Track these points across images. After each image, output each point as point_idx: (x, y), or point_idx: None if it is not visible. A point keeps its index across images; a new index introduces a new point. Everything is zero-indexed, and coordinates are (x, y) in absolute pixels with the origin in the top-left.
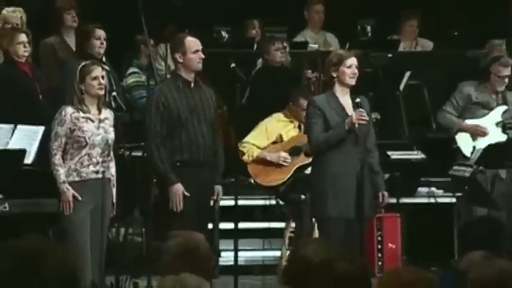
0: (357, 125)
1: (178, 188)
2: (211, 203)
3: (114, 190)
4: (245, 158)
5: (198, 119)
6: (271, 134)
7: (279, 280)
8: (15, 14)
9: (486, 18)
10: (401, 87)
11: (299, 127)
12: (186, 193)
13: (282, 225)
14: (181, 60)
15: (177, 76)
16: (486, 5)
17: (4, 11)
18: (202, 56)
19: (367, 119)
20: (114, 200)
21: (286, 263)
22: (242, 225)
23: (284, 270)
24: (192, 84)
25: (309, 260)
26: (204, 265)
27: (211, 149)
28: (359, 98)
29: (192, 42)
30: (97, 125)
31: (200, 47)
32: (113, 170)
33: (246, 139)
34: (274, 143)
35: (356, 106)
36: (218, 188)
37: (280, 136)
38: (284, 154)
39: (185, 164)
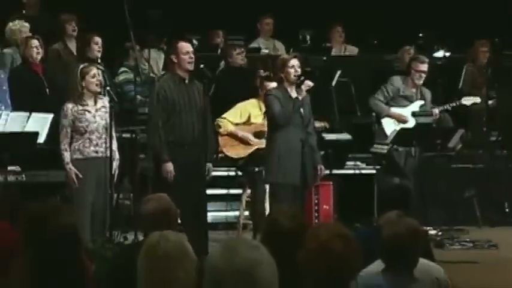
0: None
1: (169, 165)
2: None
3: (115, 163)
4: (221, 130)
5: (191, 108)
6: (244, 114)
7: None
8: (25, 25)
9: (399, 29)
10: (333, 83)
11: (264, 116)
12: (172, 172)
13: (240, 191)
14: (175, 61)
15: (173, 74)
16: (400, 18)
17: (17, 25)
18: (193, 56)
19: (311, 84)
20: (115, 171)
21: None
22: (209, 191)
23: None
24: (187, 81)
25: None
26: (174, 222)
27: (201, 132)
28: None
29: (183, 46)
30: (94, 114)
31: (190, 49)
32: (114, 147)
33: (223, 115)
34: (245, 123)
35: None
36: (209, 165)
37: (249, 116)
38: (250, 135)
39: (177, 143)
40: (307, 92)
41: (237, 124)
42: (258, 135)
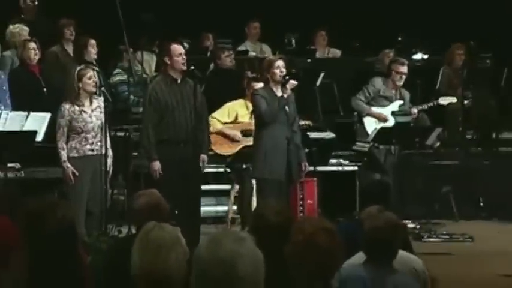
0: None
1: (156, 164)
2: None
3: (109, 160)
4: (210, 129)
5: (183, 107)
6: (232, 114)
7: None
8: (25, 28)
9: (379, 33)
10: (317, 84)
11: (250, 114)
12: (159, 170)
13: (228, 187)
14: (168, 62)
15: (165, 75)
16: (381, 23)
17: (12, 28)
18: (185, 58)
19: (296, 83)
20: (110, 168)
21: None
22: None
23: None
24: (179, 81)
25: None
26: (164, 216)
27: (194, 129)
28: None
29: (176, 48)
30: (90, 115)
31: (183, 51)
32: (108, 144)
33: (212, 114)
34: (232, 122)
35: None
36: (203, 157)
37: (236, 116)
38: (238, 133)
39: (173, 141)
40: (292, 91)
41: (225, 123)
42: (245, 133)
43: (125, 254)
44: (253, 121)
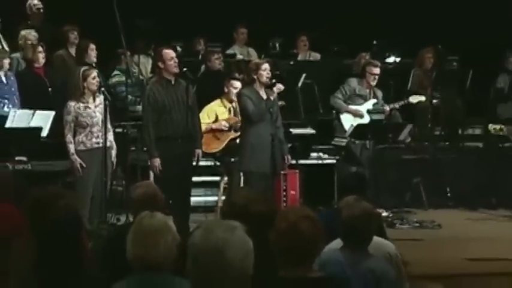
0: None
1: (156, 160)
2: (193, 162)
3: (113, 152)
4: None
5: (179, 106)
6: (211, 115)
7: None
8: (32, 33)
9: (356, 38)
10: (299, 85)
11: (229, 111)
12: (158, 166)
13: (218, 179)
14: (162, 66)
15: (160, 77)
16: (357, 29)
17: (24, 32)
18: (177, 61)
19: (282, 88)
20: (114, 159)
21: (223, 206)
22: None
23: (222, 212)
24: (173, 82)
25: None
26: (159, 205)
27: (189, 125)
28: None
29: (168, 53)
30: (93, 110)
31: (174, 55)
32: (111, 137)
33: None
34: (214, 122)
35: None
36: (198, 151)
37: (216, 116)
38: (224, 122)
39: (171, 138)
40: (277, 94)
41: (208, 124)
42: (229, 127)
43: (123, 240)
44: (232, 115)
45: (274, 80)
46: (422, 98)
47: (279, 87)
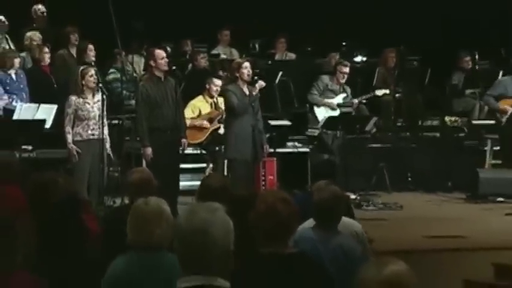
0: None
1: (148, 150)
2: (180, 151)
3: (108, 144)
4: None
5: (168, 101)
6: (195, 110)
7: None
8: (37, 35)
9: (327, 39)
10: (276, 81)
11: (211, 105)
12: (150, 155)
13: (204, 165)
14: (153, 65)
15: (152, 75)
16: (328, 31)
17: (29, 34)
18: (167, 60)
19: (264, 84)
20: (108, 150)
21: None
22: (180, 165)
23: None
24: (163, 79)
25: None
26: (153, 189)
27: (176, 118)
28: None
29: (159, 53)
30: (92, 106)
31: (164, 55)
32: (106, 132)
33: None
34: (198, 116)
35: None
36: (184, 141)
37: (200, 111)
38: (205, 122)
39: (161, 129)
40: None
41: (192, 118)
42: (210, 120)
43: (118, 220)
44: (213, 110)
45: (256, 77)
46: (387, 91)
47: (261, 83)
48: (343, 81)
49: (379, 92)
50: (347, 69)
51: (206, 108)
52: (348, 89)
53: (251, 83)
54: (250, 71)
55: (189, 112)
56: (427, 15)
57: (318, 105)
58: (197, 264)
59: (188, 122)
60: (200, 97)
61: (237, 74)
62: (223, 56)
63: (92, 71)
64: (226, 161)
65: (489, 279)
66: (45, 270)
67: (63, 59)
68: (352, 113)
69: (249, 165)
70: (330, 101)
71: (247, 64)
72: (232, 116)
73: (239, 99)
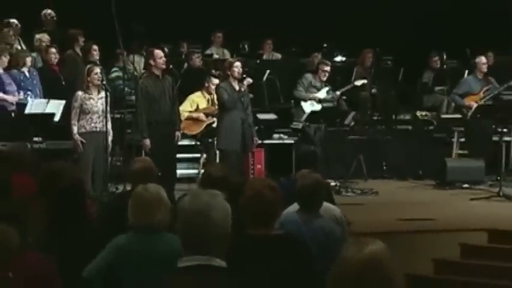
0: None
1: (146, 141)
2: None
3: (110, 138)
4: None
5: (165, 97)
6: (193, 105)
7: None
8: (46, 37)
9: (310, 41)
10: (264, 79)
11: (208, 101)
12: (149, 146)
13: (198, 155)
14: (152, 64)
15: (151, 73)
16: (311, 33)
17: (39, 36)
18: (165, 59)
19: (251, 81)
20: (110, 142)
21: (201, 176)
22: (177, 155)
23: (201, 180)
24: (160, 77)
25: (212, 174)
26: (154, 177)
27: (172, 113)
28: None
29: (158, 53)
30: (96, 101)
31: (163, 55)
32: (109, 125)
33: (180, 107)
34: (195, 110)
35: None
36: (178, 134)
37: (197, 105)
38: (201, 114)
39: (157, 122)
40: (248, 87)
41: (189, 111)
42: (206, 114)
43: (121, 205)
44: (210, 106)
45: (245, 75)
46: (365, 81)
47: (248, 80)
48: (325, 78)
49: (358, 82)
50: (328, 68)
51: (203, 104)
52: (329, 86)
53: (240, 80)
54: (241, 70)
55: (187, 105)
56: (400, 19)
57: (305, 100)
58: (198, 245)
59: (186, 114)
60: (199, 93)
61: (229, 72)
62: (216, 56)
63: (97, 70)
64: (218, 151)
65: (456, 258)
66: (53, 248)
67: (73, 59)
68: (333, 107)
69: (239, 155)
70: (314, 95)
71: (238, 63)
72: (223, 111)
73: (230, 95)
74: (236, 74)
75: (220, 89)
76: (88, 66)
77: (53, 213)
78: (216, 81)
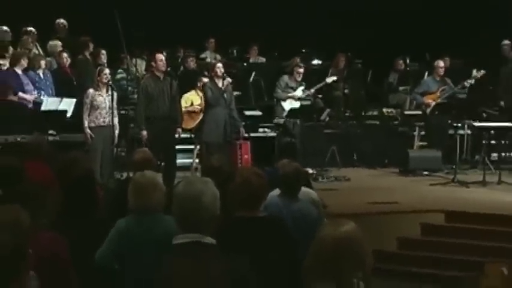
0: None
1: (143, 132)
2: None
3: (116, 132)
4: None
5: (163, 95)
6: (188, 101)
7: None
8: (59, 43)
9: (291, 46)
10: (250, 80)
11: (200, 98)
12: (146, 136)
13: (192, 147)
14: (154, 65)
15: (152, 74)
16: (292, 39)
17: (52, 42)
18: (165, 62)
19: (230, 80)
20: (116, 135)
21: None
22: None
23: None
24: (161, 78)
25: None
26: (153, 166)
27: (171, 110)
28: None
29: (159, 56)
30: (104, 98)
31: (163, 58)
32: (116, 120)
33: None
34: (190, 105)
35: (225, 78)
36: (179, 130)
37: (191, 102)
38: (197, 107)
39: (158, 118)
40: (230, 85)
41: (185, 107)
42: (200, 110)
43: (126, 190)
44: (203, 102)
45: (225, 75)
46: (335, 78)
47: (228, 80)
48: (299, 79)
49: (329, 80)
50: (302, 70)
51: (197, 100)
52: (304, 84)
53: (224, 79)
54: (222, 69)
55: (183, 103)
56: (369, 27)
57: (284, 100)
58: (190, 225)
59: (183, 110)
60: (193, 91)
61: (213, 73)
62: (208, 60)
63: (107, 70)
64: (205, 144)
65: (417, 236)
66: (65, 229)
67: (84, 62)
68: (310, 105)
69: (221, 146)
70: (291, 94)
71: (219, 64)
72: (209, 107)
73: (213, 92)
74: (219, 73)
75: (206, 87)
76: (99, 67)
77: (68, 198)
78: (206, 80)
